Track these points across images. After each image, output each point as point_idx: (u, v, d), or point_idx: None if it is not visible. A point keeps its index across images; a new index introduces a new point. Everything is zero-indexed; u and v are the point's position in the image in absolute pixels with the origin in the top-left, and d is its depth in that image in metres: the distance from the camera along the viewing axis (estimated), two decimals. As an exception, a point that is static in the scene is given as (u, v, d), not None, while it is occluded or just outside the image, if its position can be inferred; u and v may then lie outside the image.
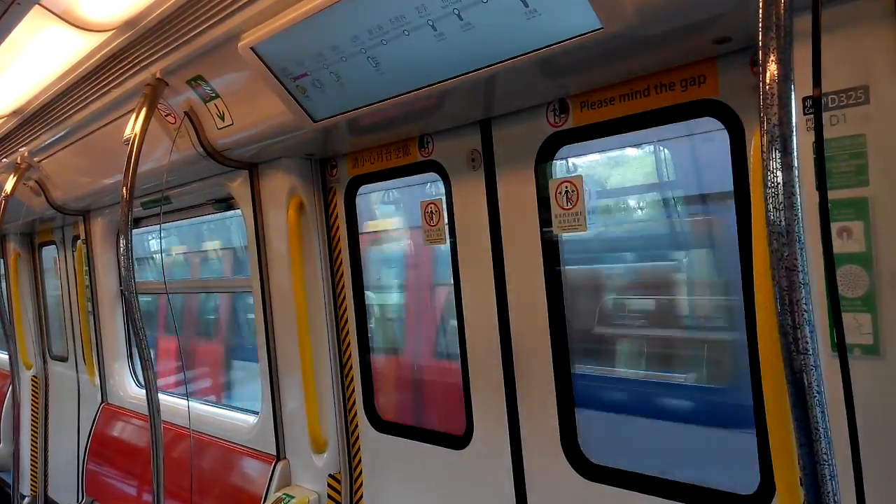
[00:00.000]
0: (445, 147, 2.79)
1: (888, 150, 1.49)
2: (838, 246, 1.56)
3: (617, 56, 1.96)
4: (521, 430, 2.63)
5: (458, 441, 2.87)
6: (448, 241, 2.83)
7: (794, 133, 1.06)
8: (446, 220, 2.83)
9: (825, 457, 1.08)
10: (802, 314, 1.06)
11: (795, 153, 1.06)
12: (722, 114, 1.99)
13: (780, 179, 1.06)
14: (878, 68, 1.49)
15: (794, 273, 1.06)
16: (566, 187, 2.37)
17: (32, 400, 6.45)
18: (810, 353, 1.07)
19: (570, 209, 2.37)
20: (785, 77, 1.06)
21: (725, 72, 1.95)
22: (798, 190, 1.06)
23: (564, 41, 1.81)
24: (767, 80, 1.07)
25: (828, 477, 1.08)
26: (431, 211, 2.88)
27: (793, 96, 1.07)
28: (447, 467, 2.92)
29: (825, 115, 1.56)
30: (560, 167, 2.51)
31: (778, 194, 1.06)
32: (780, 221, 1.06)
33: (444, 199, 2.83)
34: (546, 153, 2.45)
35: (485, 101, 2.42)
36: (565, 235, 2.47)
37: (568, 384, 2.50)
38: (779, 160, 1.06)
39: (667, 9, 1.63)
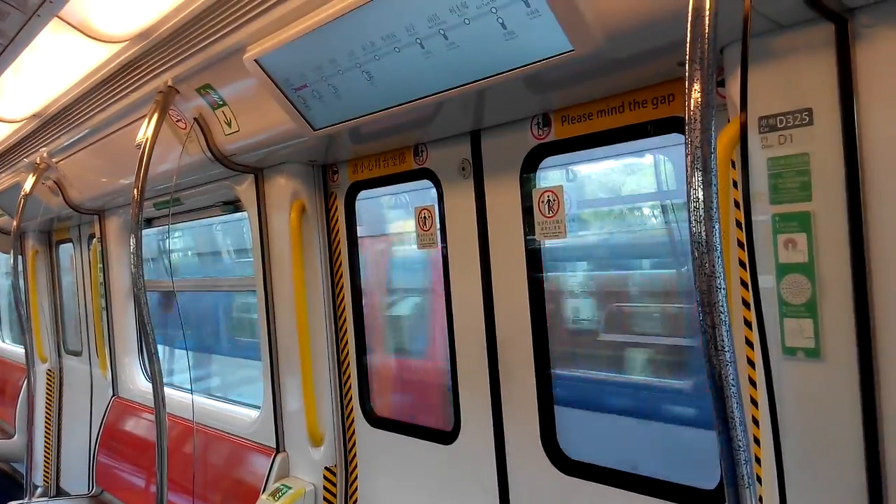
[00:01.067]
0: (438, 156, 2.93)
1: (829, 168, 1.61)
2: (784, 256, 1.68)
3: (591, 75, 2.09)
4: (505, 427, 2.76)
5: (447, 436, 3.00)
6: (440, 245, 2.97)
7: (714, 155, 1.19)
8: (438, 226, 2.97)
9: (740, 443, 1.20)
10: (719, 315, 1.18)
11: (714, 173, 1.19)
12: None
13: (700, 195, 1.19)
14: (821, 92, 1.61)
15: (713, 278, 1.18)
16: (548, 196, 2.51)
17: (47, 393, 6.62)
18: (727, 349, 1.19)
19: (551, 217, 2.50)
20: (706, 104, 1.19)
21: None
22: (716, 205, 1.18)
23: (540, 61, 1.94)
24: (691, 107, 1.20)
25: (742, 461, 1.20)
26: (424, 216, 3.01)
27: (713, 122, 1.20)
28: (436, 461, 3.06)
29: (774, 135, 1.68)
30: (547, 176, 2.64)
31: (699, 209, 1.19)
32: (701, 233, 1.19)
33: (436, 205, 2.97)
34: (530, 164, 2.58)
35: (474, 114, 2.56)
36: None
37: (548, 385, 2.62)
38: (700, 178, 1.19)
39: (631, 34, 1.76)
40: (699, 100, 1.19)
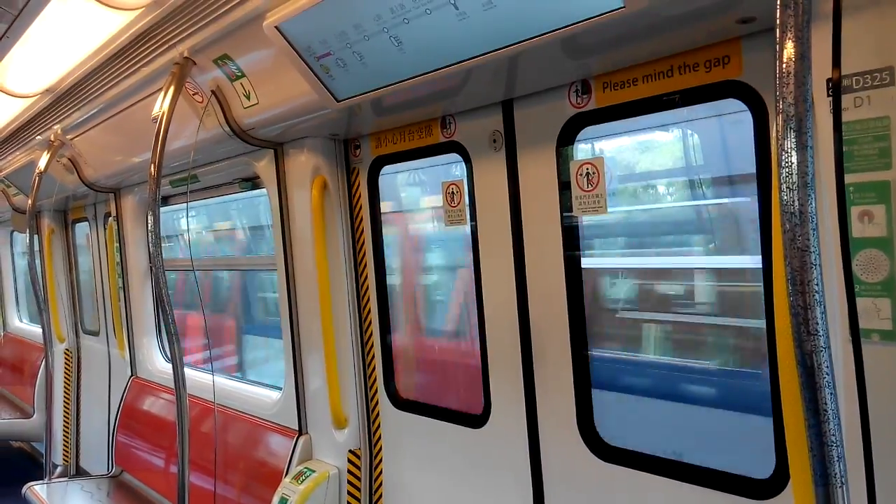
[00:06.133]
0: (467, 128, 2.79)
1: None
2: (859, 230, 1.54)
3: (640, 36, 1.94)
4: (538, 411, 2.64)
5: (476, 420, 2.90)
6: (469, 222, 2.84)
7: (810, 113, 1.05)
8: (467, 202, 2.84)
9: (833, 438, 1.08)
10: (814, 295, 1.05)
11: (811, 133, 1.05)
12: (746, 95, 1.96)
13: (794, 160, 1.05)
14: None
15: (807, 254, 1.05)
16: (587, 169, 2.36)
17: (65, 373, 6.61)
18: (821, 334, 1.06)
19: (590, 191, 2.37)
20: (802, 56, 1.05)
21: (750, 52, 1.92)
22: (811, 171, 1.05)
23: (586, 20, 1.79)
24: (784, 59, 1.06)
25: (835, 458, 1.08)
26: (452, 192, 2.88)
27: (810, 76, 1.06)
28: (465, 445, 2.96)
29: (849, 97, 1.53)
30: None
31: (792, 174, 1.05)
32: (794, 202, 1.05)
33: (465, 179, 2.84)
34: (568, 134, 2.44)
35: (507, 82, 2.41)
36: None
37: (585, 366, 2.50)
38: (794, 140, 1.05)
39: None
40: (793, 51, 1.05)
